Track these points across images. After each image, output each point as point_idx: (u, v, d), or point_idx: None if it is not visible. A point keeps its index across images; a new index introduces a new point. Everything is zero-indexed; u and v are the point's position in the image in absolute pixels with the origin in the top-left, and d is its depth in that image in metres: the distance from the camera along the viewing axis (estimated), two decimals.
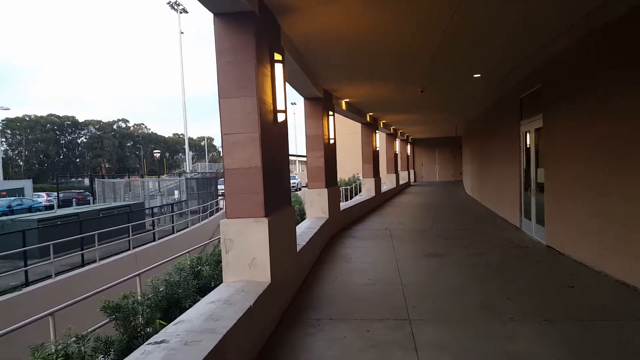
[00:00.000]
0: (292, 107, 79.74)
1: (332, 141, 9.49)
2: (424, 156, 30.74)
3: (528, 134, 8.80)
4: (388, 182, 19.17)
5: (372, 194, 14.45)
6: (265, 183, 4.09)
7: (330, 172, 9.33)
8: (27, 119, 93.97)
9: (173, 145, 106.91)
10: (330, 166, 9.35)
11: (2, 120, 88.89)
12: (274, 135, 4.50)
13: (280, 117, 4.59)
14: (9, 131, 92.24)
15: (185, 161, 52.85)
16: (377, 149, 15.38)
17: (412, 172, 28.45)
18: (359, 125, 15.57)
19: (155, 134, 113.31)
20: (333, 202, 9.34)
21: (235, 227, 4.01)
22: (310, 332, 3.90)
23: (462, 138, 28.40)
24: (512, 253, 6.97)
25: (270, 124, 4.38)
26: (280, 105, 4.54)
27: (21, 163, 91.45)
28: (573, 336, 3.63)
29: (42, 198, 30.60)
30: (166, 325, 3.25)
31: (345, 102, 11.29)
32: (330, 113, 9.44)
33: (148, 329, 4.79)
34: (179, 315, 5.22)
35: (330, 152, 9.39)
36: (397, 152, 20.72)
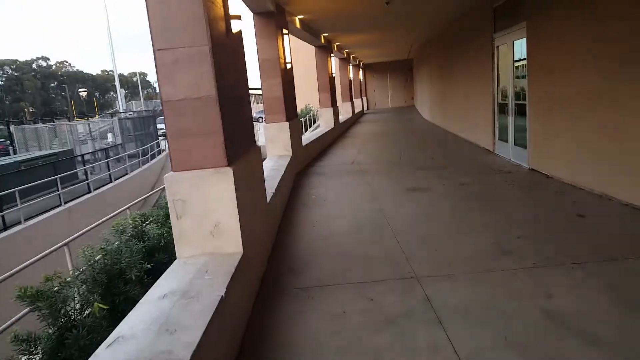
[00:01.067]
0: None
1: (289, 66, 8.22)
2: (376, 82, 29.72)
3: (503, 48, 7.97)
4: (344, 112, 18.18)
5: (331, 125, 13.46)
6: (225, 118, 2.98)
7: (290, 102, 8.16)
8: None
9: (103, 84, 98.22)
10: (289, 96, 8.16)
11: None
12: (228, 50, 3.30)
13: (236, 26, 3.37)
14: None
15: (118, 100, 48.56)
16: (333, 75, 14.15)
17: (365, 99, 27.52)
18: (307, 51, 14.15)
19: (82, 71, 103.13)
20: (295, 137, 8.28)
21: (187, 184, 2.93)
22: (299, 309, 3.05)
23: (413, 61, 27.51)
24: (497, 180, 6.40)
25: (222, 34, 3.17)
26: (232, 9, 3.30)
27: None
28: (615, 282, 3.03)
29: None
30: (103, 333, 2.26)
31: (300, 19, 9.84)
32: (285, 32, 8.06)
33: (85, 316, 3.77)
34: (123, 289, 4.21)
35: (288, 80, 8.16)
36: (351, 79, 19.53)
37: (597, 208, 4.68)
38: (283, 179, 5.93)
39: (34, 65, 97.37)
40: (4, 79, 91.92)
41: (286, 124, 7.78)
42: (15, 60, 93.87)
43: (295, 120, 8.57)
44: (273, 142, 7.85)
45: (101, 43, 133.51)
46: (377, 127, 16.82)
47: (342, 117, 16.75)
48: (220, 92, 2.96)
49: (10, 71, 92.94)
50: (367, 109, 28.40)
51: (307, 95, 23.88)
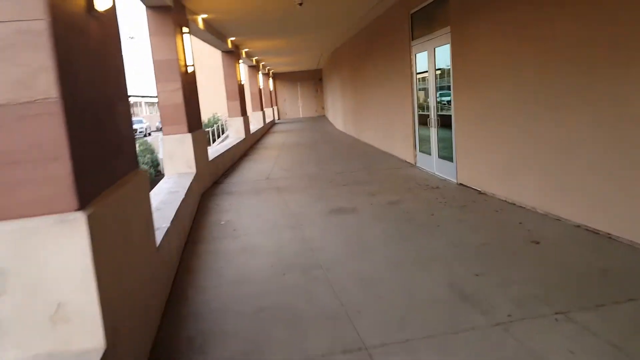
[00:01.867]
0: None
1: (190, 69, 7.05)
2: (286, 92, 29.10)
3: (422, 56, 7.63)
4: (255, 121, 17.14)
5: (242, 135, 12.36)
6: (76, 133, 1.88)
7: (192, 110, 6.99)
8: None
9: None
10: (191, 103, 7.00)
11: None
12: (90, 34, 2.20)
13: (103, 2, 2.28)
14: None
15: None
16: (243, 82, 13.09)
17: (276, 108, 26.72)
18: (214, 55, 12.99)
19: None
20: (200, 151, 7.11)
21: (6, 242, 1.77)
22: None
23: (322, 71, 27.40)
24: (427, 197, 5.88)
25: (77, 9, 2.06)
26: None
27: None
28: (615, 340, 2.44)
29: None
30: None
31: (203, 19, 8.69)
32: (185, 30, 6.90)
33: None
34: None
35: (189, 84, 6.98)
36: (261, 87, 18.59)
37: (548, 231, 4.26)
38: (184, 204, 4.79)
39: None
40: None
41: (188, 136, 6.59)
42: None
43: (200, 132, 7.40)
44: (172, 158, 6.61)
45: None
46: (290, 138, 16.04)
47: (253, 127, 15.71)
48: (70, 95, 1.86)
49: None
50: (279, 118, 27.64)
51: (214, 103, 22.46)
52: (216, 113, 21.93)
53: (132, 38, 54.39)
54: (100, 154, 2.23)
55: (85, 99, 2.10)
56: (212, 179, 7.93)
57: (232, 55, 12.14)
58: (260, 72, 18.43)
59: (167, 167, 6.64)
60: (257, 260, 4.06)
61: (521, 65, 4.80)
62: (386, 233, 4.53)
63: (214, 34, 9.65)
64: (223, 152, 9.15)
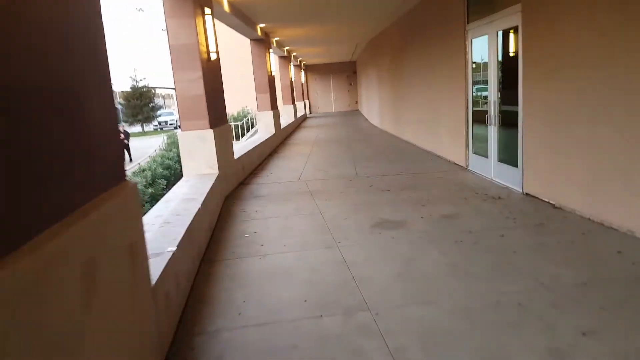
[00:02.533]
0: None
1: (213, 56, 6.25)
2: (318, 84, 28.20)
3: (480, 42, 6.56)
4: (286, 115, 16.36)
5: (272, 130, 11.57)
6: None
7: (216, 103, 6.21)
8: None
9: None
10: (215, 95, 6.22)
11: None
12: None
13: None
14: None
15: None
16: (273, 74, 12.28)
17: (307, 102, 25.89)
18: (241, 45, 12.23)
19: None
20: (224, 149, 6.33)
21: None
22: None
23: (356, 63, 26.34)
24: (489, 210, 4.88)
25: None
26: None
27: None
28: None
29: None
30: None
31: (230, 1, 7.89)
32: (207, 11, 6.10)
33: None
34: None
35: (212, 74, 6.20)
36: (292, 80, 17.77)
37: None
38: (199, 216, 3.99)
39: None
40: None
41: (210, 132, 5.81)
42: None
43: (224, 127, 6.62)
44: (192, 157, 5.85)
45: None
46: (323, 133, 15.16)
47: (284, 122, 14.93)
48: None
49: None
50: (310, 112, 26.81)
51: (246, 97, 21.80)
52: (246, 106, 21.24)
53: (140, 10, 53.99)
54: (48, 166, 1.41)
55: (14, 80, 1.28)
56: (237, 180, 7.16)
57: (261, 43, 11.33)
58: (291, 64, 17.60)
59: (185, 167, 5.89)
60: (287, 290, 3.21)
61: (625, 47, 3.72)
62: (448, 260, 3.59)
63: (241, 18, 8.84)
64: (250, 150, 8.37)
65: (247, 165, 8.04)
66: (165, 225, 3.51)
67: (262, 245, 4.24)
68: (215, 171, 5.86)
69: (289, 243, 4.24)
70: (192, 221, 3.67)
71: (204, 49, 5.90)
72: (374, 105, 17.20)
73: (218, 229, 4.82)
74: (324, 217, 5.00)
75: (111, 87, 2.15)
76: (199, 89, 5.69)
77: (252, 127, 18.99)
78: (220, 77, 6.71)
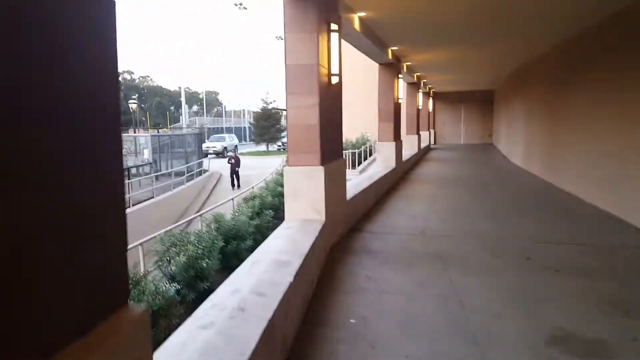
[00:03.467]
0: None
1: (335, 80, 5.23)
2: (447, 113, 26.15)
3: None
4: (408, 146, 14.93)
5: (392, 164, 10.27)
6: None
7: (331, 135, 5.16)
8: None
9: (177, 99, 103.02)
10: (331, 125, 5.17)
11: None
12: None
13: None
14: None
15: (182, 115, 48.78)
16: (400, 100, 11.04)
17: (432, 132, 24.07)
18: (368, 68, 11.24)
19: (161, 86, 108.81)
20: (335, 189, 5.22)
21: None
22: None
23: (494, 92, 23.82)
24: None
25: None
26: None
27: None
28: None
29: None
30: None
31: (360, 17, 6.90)
32: (334, 27, 5.12)
33: None
34: None
35: (331, 100, 5.17)
36: (419, 108, 16.33)
37: None
38: (289, 296, 2.84)
39: (119, 78, 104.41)
40: None
41: (319, 170, 4.74)
42: None
43: (338, 163, 5.52)
44: (296, 197, 4.82)
45: (185, 63, 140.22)
46: (450, 170, 13.36)
47: (406, 153, 13.51)
48: None
49: None
50: (434, 143, 24.88)
51: (369, 122, 20.86)
52: (366, 133, 20.24)
53: (242, 7, 56.97)
54: None
55: None
56: (347, 224, 5.98)
57: (391, 68, 10.20)
58: (420, 91, 16.20)
59: (288, 209, 4.89)
60: None
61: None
62: None
63: (372, 39, 7.81)
64: (366, 187, 7.16)
65: (361, 205, 6.83)
66: (237, 316, 2.41)
67: (373, 347, 2.92)
68: (321, 217, 4.75)
69: (413, 354, 2.84)
70: (276, 309, 2.53)
71: (324, 71, 4.91)
72: (517, 141, 14.82)
73: (315, 302, 3.64)
74: (463, 308, 3.50)
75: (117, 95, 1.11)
76: (313, 117, 4.68)
77: (369, 155, 17.91)
78: (340, 105, 5.67)
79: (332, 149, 5.23)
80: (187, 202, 16.35)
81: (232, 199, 8.66)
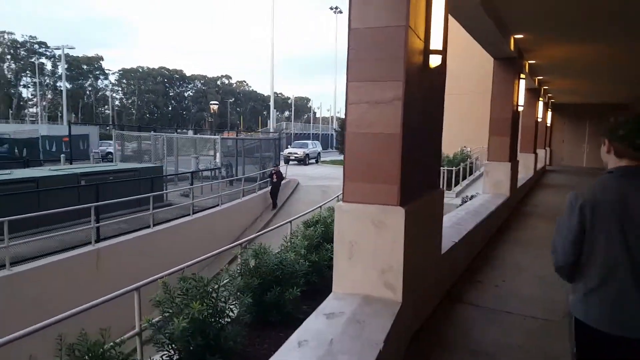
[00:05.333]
0: None
1: (436, 59, 3.14)
2: (567, 130, 22.10)
3: None
4: (523, 167, 12.04)
5: (505, 191, 7.74)
6: None
7: (422, 151, 3.09)
8: (140, 70, 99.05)
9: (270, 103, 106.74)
10: (423, 134, 3.10)
11: (119, 70, 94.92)
12: None
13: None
14: (124, 81, 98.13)
15: (270, 119, 49.19)
16: (519, 109, 8.46)
17: (548, 150, 20.38)
18: (464, 58, 8.82)
19: (256, 91, 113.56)
20: (424, 241, 3.14)
21: None
22: None
23: (628, 107, 19.48)
24: None
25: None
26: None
27: (134, 112, 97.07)
28: None
29: (110, 148, 27.51)
30: None
31: None
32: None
33: None
34: None
35: (427, 92, 3.12)
36: (538, 119, 13.32)
37: None
38: None
39: (218, 82, 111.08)
40: (193, 91, 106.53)
41: (396, 213, 2.69)
42: (205, 76, 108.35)
43: (430, 199, 3.42)
44: (352, 256, 2.82)
45: (280, 68, 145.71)
46: None
47: (520, 177, 10.73)
48: None
49: (199, 85, 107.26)
50: (549, 164, 21.06)
51: (468, 133, 17.92)
52: (464, 147, 17.32)
53: (337, 10, 53.79)
54: None
55: None
56: (441, 290, 3.85)
57: (511, 65, 7.72)
58: (540, 100, 13.19)
59: (338, 273, 2.88)
60: None
61: None
62: None
63: (494, 18, 5.52)
64: (471, 230, 4.90)
65: (463, 258, 4.63)
66: None
67: None
68: (395, 296, 2.71)
69: None
70: None
71: (417, 43, 2.88)
72: None
73: None
74: None
75: None
76: (391, 121, 2.68)
77: (469, 174, 15.15)
78: (441, 102, 3.58)
79: (422, 176, 3.17)
80: (257, 211, 15.09)
81: (290, 221, 6.89)
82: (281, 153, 25.41)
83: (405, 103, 2.69)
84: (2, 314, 6.19)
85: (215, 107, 26.86)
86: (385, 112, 2.71)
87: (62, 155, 18.21)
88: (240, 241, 5.67)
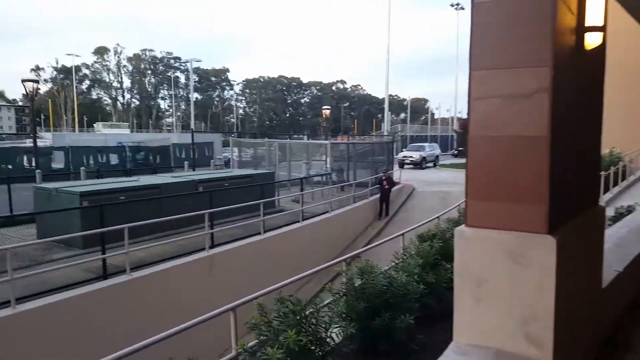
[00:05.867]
0: None
1: (595, 38, 2.32)
2: None
3: None
4: None
5: None
6: None
7: (577, 159, 2.29)
8: (262, 80, 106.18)
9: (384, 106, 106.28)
10: (578, 136, 2.30)
11: (242, 81, 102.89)
12: None
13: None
14: (247, 90, 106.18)
15: (384, 122, 48.44)
16: None
17: None
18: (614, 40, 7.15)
19: (370, 95, 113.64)
20: (580, 277, 2.33)
21: None
22: None
23: None
24: None
25: None
26: None
27: (255, 119, 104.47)
28: None
29: (232, 155, 29.46)
30: None
31: None
32: None
33: None
34: None
35: (582, 80, 2.31)
36: None
37: None
38: None
39: (333, 87, 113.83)
40: (309, 97, 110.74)
41: (545, 243, 1.97)
42: (320, 82, 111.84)
43: (590, 219, 2.57)
44: (481, 296, 2.16)
45: (394, 71, 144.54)
46: None
47: None
48: None
49: (315, 91, 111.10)
50: None
51: (622, 130, 15.05)
52: (613, 148, 14.54)
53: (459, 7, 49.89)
54: None
55: None
56: (599, 332, 2.94)
57: None
58: None
59: (461, 316, 2.27)
60: None
61: None
62: None
63: None
64: (628, 266, 3.75)
65: (627, 290, 3.56)
66: None
67: None
68: (543, 357, 1.99)
69: None
70: None
71: (568, 16, 2.13)
72: None
73: None
74: None
75: None
76: (534, 118, 1.99)
77: (621, 179, 12.73)
78: (601, 92, 2.71)
79: (578, 192, 2.37)
80: (368, 218, 14.58)
81: (402, 234, 6.26)
82: (395, 157, 24.59)
83: (553, 95, 1.97)
84: (119, 317, 6.63)
85: (327, 111, 27.20)
86: (525, 108, 2.02)
87: (186, 162, 19.83)
88: (344, 257, 5.23)
